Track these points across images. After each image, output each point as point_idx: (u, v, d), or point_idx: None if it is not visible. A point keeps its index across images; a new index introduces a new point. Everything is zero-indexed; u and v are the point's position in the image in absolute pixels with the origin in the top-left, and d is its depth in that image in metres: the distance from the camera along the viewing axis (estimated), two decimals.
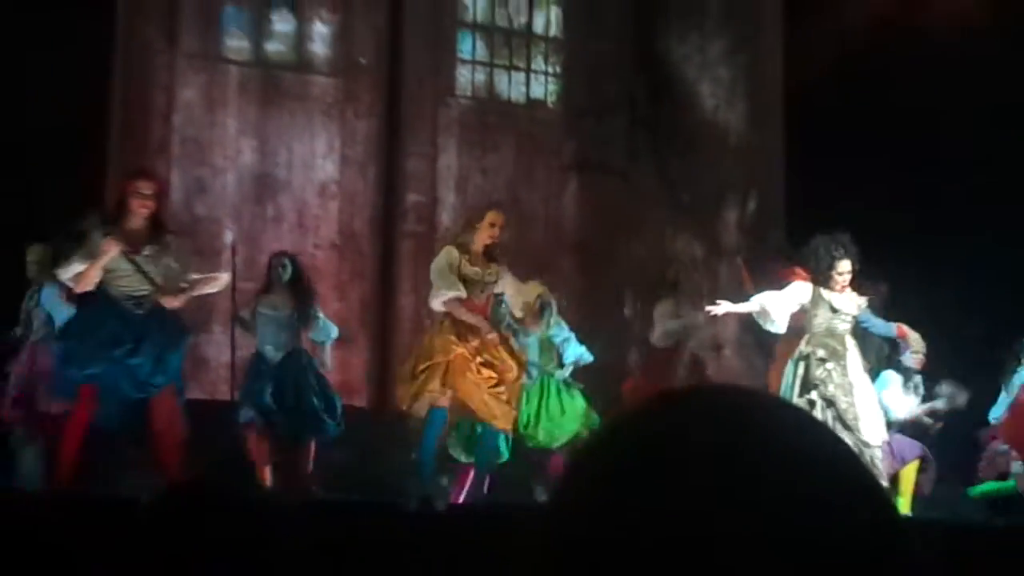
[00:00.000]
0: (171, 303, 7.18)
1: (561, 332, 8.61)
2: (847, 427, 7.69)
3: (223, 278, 7.71)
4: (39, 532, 4.95)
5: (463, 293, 7.41)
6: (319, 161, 10.81)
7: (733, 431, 0.75)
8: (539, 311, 8.36)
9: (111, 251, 6.90)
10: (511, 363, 7.59)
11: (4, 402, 7.83)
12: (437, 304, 7.55)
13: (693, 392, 0.84)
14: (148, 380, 7.02)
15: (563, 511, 0.77)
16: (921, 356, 8.67)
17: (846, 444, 0.80)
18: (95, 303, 7.12)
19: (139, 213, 7.06)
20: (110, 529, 1.80)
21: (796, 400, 7.66)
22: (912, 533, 0.75)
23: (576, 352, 8.69)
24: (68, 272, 7.13)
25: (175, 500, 1.79)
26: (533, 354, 8.34)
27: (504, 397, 7.52)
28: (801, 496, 0.72)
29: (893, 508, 0.78)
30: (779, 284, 8.19)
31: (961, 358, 9.08)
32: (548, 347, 8.51)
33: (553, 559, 0.75)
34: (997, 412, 9.29)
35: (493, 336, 7.61)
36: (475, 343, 7.49)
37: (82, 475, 7.02)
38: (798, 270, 8.18)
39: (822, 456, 0.76)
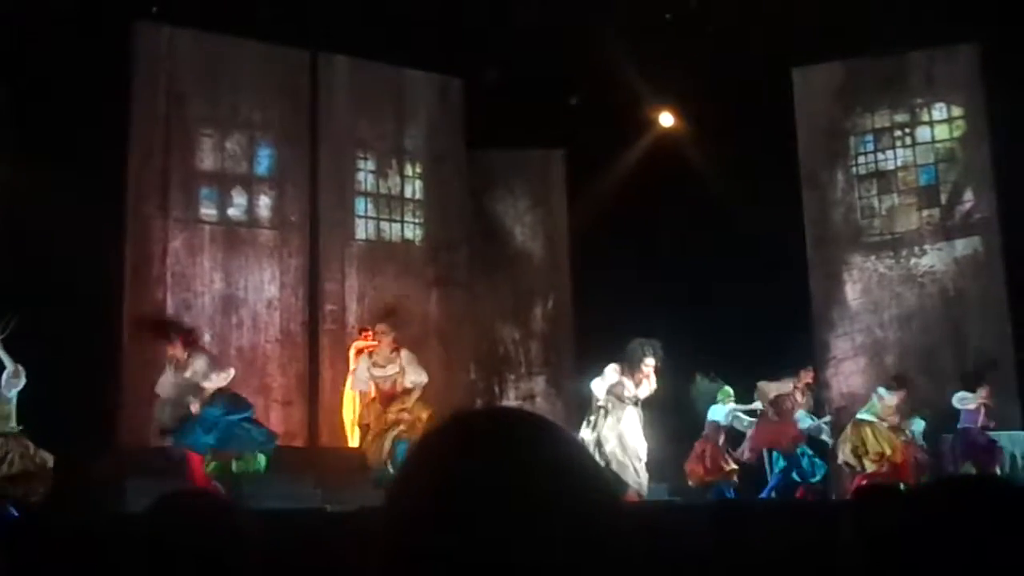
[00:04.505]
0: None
1: None
2: (607, 460, 8.65)
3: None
4: None
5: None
6: (266, 286, 11.71)
7: (508, 444, 0.83)
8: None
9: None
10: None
11: None
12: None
13: (483, 414, 0.93)
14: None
15: (393, 516, 0.84)
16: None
17: (583, 448, 0.90)
18: None
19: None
20: None
21: (585, 429, 8.91)
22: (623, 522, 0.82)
23: None
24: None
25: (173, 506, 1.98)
26: None
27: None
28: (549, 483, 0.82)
29: (613, 501, 0.85)
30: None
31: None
32: None
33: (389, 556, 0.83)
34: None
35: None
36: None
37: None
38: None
39: (563, 455, 0.85)
